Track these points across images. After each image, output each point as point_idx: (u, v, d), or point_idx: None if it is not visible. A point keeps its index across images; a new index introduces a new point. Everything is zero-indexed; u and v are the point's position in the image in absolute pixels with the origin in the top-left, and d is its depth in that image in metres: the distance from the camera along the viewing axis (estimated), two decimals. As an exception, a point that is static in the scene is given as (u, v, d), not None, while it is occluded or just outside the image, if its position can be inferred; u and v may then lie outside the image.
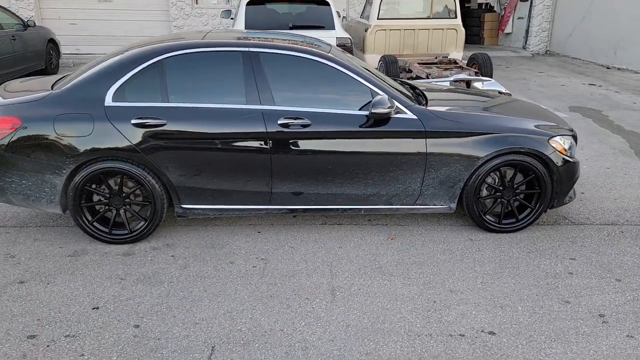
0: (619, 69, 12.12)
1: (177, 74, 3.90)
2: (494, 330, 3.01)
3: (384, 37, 9.83)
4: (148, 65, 3.87)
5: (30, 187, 3.84)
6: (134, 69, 3.86)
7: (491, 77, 8.37)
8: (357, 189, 4.04)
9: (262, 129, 3.83)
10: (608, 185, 5.28)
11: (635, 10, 11.60)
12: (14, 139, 3.74)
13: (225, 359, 2.77)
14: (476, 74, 8.74)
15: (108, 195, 3.94)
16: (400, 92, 4.20)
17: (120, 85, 3.83)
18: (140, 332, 2.98)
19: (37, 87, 4.15)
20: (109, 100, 3.80)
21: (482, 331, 3.00)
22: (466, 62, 9.56)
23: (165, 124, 3.78)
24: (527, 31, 14.72)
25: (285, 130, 3.84)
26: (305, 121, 3.86)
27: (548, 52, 14.73)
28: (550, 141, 4.12)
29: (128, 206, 3.99)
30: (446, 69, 8.92)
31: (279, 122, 3.84)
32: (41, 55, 10.44)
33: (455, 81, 7.34)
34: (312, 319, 3.11)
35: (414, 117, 3.98)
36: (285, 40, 4.24)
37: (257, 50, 3.97)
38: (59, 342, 2.89)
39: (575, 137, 4.38)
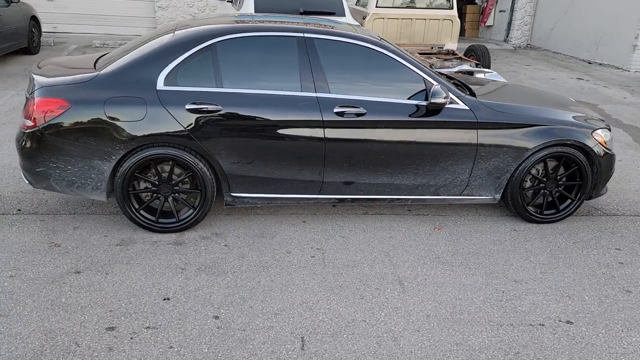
0: (600, 64, 12.49)
1: (230, 58, 3.79)
2: (570, 319, 3.08)
3: (381, 26, 9.82)
4: (201, 49, 3.75)
5: (76, 173, 3.67)
6: (186, 52, 3.73)
7: (490, 69, 8.49)
8: (406, 179, 4.04)
9: (317, 117, 3.77)
10: (626, 178, 5.45)
11: (616, 6, 11.96)
12: (61, 122, 3.56)
13: (318, 349, 2.73)
14: (477, 65, 8.84)
15: (157, 183, 3.81)
16: (450, 82, 4.21)
17: (173, 69, 3.70)
18: (222, 323, 2.90)
19: (78, 67, 3.97)
20: (160, 84, 3.66)
21: (559, 320, 3.06)
22: (462, 53, 9.65)
23: (220, 110, 3.67)
24: (509, 24, 14.98)
25: (341, 118, 3.79)
26: (360, 110, 3.82)
27: (529, 45, 15.05)
28: (593, 134, 4.21)
29: (176, 194, 3.86)
30: (446, 60, 8.99)
31: (335, 110, 3.79)
32: (24, 33, 9.97)
33: (458, 72, 7.40)
34: (390, 309, 3.10)
35: (466, 107, 4.00)
36: (338, 27, 4.17)
37: (312, 36, 3.90)
38: (142, 334, 2.78)
39: (609, 130, 4.49)
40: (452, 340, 2.85)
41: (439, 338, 2.86)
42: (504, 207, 4.58)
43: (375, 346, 2.78)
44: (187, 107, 3.63)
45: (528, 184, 4.30)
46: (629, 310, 3.18)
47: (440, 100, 3.81)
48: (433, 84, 3.91)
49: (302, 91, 3.80)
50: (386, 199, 4.13)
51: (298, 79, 3.82)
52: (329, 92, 3.83)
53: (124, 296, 3.10)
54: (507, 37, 15.13)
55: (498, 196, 4.26)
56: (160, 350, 2.68)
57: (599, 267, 3.68)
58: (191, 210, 3.91)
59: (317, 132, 3.78)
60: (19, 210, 4.15)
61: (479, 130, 3.99)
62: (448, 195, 4.19)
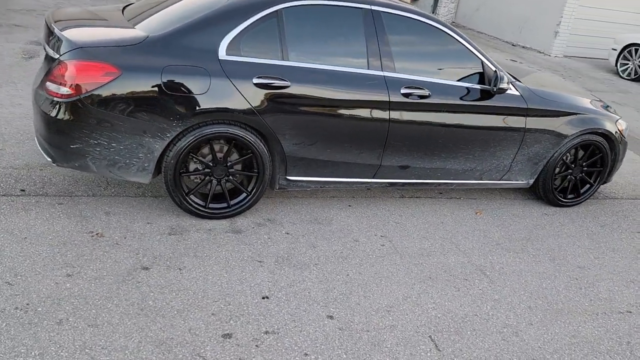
0: (523, 47, 13.26)
1: (295, 27, 3.45)
2: (648, 304, 3.26)
3: None
4: (266, 15, 3.37)
5: (121, 152, 3.17)
6: (250, 17, 3.33)
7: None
8: (458, 163, 3.99)
9: (384, 98, 3.58)
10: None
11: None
12: (108, 91, 3.03)
13: (453, 349, 2.64)
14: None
15: (211, 164, 3.40)
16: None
17: (236, 36, 3.29)
18: (341, 324, 2.69)
19: (109, 22, 3.41)
20: (222, 53, 3.24)
21: (640, 306, 3.22)
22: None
23: (289, 86, 3.34)
24: (436, 1, 15.34)
25: (406, 100, 3.63)
26: (424, 92, 3.68)
27: (454, 23, 15.56)
28: (617, 123, 4.44)
29: (231, 177, 3.49)
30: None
31: (402, 91, 3.61)
32: None
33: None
34: (491, 301, 3.07)
35: (518, 93, 4.01)
36: (401, 1, 3.94)
37: (378, 9, 3.65)
38: (265, 341, 2.50)
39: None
40: (566, 332, 2.88)
41: (554, 330, 2.88)
42: (523, 190, 4.70)
43: (502, 342, 2.73)
44: (255, 81, 3.26)
45: (558, 169, 4.44)
46: (688, 294, 3.42)
47: (505, 86, 3.78)
48: (493, 69, 3.86)
49: (369, 69, 3.57)
50: (434, 183, 4.07)
51: (365, 55, 3.58)
52: (395, 72, 3.63)
53: (218, 296, 2.76)
54: (433, 12, 15.50)
55: (532, 181, 4.36)
56: (297, 357, 2.42)
57: (636, 252, 3.91)
58: (244, 195, 3.56)
59: (383, 114, 3.59)
60: (23, 190, 3.52)
61: (527, 117, 4.03)
62: (489, 179, 4.22)
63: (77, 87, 3.01)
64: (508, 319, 2.92)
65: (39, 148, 3.32)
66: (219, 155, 3.42)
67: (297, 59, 3.41)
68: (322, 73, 3.43)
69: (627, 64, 10.67)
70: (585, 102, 4.40)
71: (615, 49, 10.81)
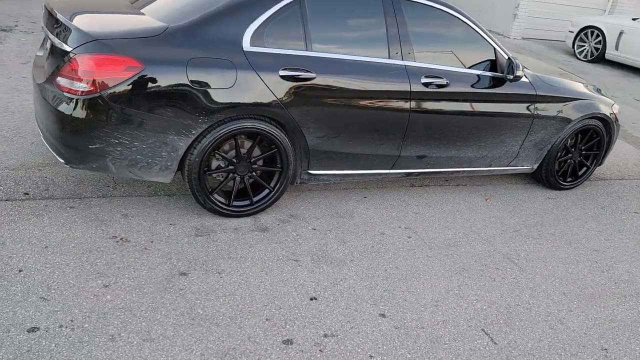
0: (482, 29, 13.48)
1: (317, 16, 3.34)
2: (667, 284, 3.40)
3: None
4: (289, 3, 3.23)
5: (143, 151, 2.99)
6: (273, 5, 3.19)
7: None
8: (471, 151, 4.01)
9: (406, 87, 3.53)
10: (587, 143, 6.04)
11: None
12: (131, 87, 2.83)
13: (509, 341, 2.66)
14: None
15: (235, 161, 3.27)
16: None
17: (259, 26, 3.15)
18: (395, 322, 2.66)
19: (115, 7, 3.20)
20: (247, 44, 3.10)
21: (661, 286, 3.36)
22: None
23: (314, 78, 3.23)
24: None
25: (426, 89, 3.60)
26: (443, 81, 3.66)
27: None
28: (612, 107, 4.58)
29: (253, 173, 3.37)
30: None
31: (422, 81, 3.58)
32: None
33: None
34: (528, 290, 3.12)
35: (527, 80, 4.05)
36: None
37: (397, -4, 3.57)
38: (327, 345, 2.43)
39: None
40: (605, 317, 2.96)
41: (593, 316, 2.96)
42: (523, 175, 4.79)
43: (551, 331, 2.77)
44: (281, 73, 3.13)
45: (560, 154, 4.54)
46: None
47: (520, 73, 3.81)
48: (506, 57, 3.88)
49: (390, 58, 3.50)
50: (447, 171, 4.08)
51: (386, 44, 3.51)
52: (415, 60, 3.58)
53: (265, 300, 2.66)
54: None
55: (536, 166, 4.45)
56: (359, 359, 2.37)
57: (638, 233, 4.07)
58: (266, 191, 3.45)
59: (404, 104, 3.55)
60: (27, 194, 3.27)
61: (536, 104, 4.08)
62: (498, 166, 4.27)
63: (97, 83, 2.80)
64: (548, 307, 2.97)
65: (49, 149, 3.08)
66: (242, 151, 3.27)
67: (321, 49, 3.30)
68: (346, 64, 3.34)
69: (584, 45, 11.04)
70: (582, 87, 4.50)
71: (572, 32, 11.16)
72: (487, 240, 3.58)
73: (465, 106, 3.77)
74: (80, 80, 2.81)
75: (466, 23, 3.80)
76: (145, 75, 2.85)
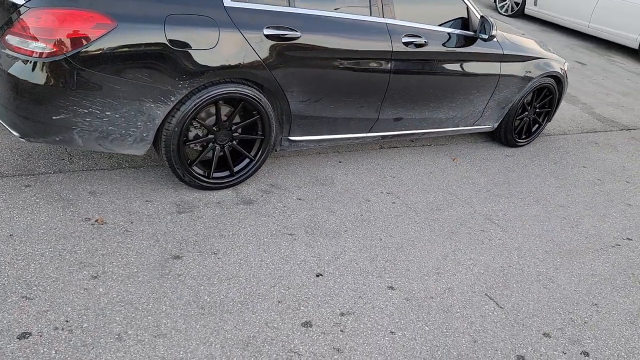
0: None
1: (298, -32, 3.07)
2: (627, 236, 3.61)
3: None
4: (270, -48, 2.94)
5: (116, 121, 2.66)
6: (253, -46, 2.89)
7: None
8: (442, 112, 3.99)
9: (387, 47, 3.40)
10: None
11: None
12: (102, 48, 2.48)
13: (513, 304, 2.71)
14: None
15: (215, 129, 3.01)
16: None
17: (239, -23, 2.84)
18: (405, 294, 2.62)
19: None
20: None
21: (622, 239, 3.57)
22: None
23: (299, 37, 3.01)
24: None
25: (406, 49, 3.49)
26: (422, 40, 3.56)
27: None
28: (564, 65, 4.73)
29: (233, 142, 3.13)
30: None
31: (403, 40, 3.46)
32: None
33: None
34: (515, 250, 3.18)
35: (496, 40, 4.05)
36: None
37: (376, -52, 3.37)
38: (347, 323, 2.35)
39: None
40: (587, 272, 3.10)
41: (577, 272, 3.09)
42: (478, 134, 4.87)
43: (545, 291, 2.86)
44: (266, 32, 2.87)
45: (517, 112, 4.64)
46: (651, 223, 3.86)
47: (494, 33, 3.77)
48: (478, 15, 3.83)
49: (371, 15, 3.33)
50: (419, 133, 4.04)
51: None
52: (395, 19, 3.44)
53: (271, 280, 2.51)
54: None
55: (496, 125, 4.53)
56: (387, 339, 2.31)
57: (591, 185, 4.29)
58: (247, 161, 3.22)
59: (385, 64, 3.42)
60: None
61: (502, 63, 4.11)
62: (464, 126, 4.29)
63: (60, 44, 2.40)
64: (537, 266, 3.05)
65: (2, 122, 2.64)
66: (222, 119, 3.01)
67: (303, 5, 3.05)
68: (330, 21, 3.13)
69: (505, 0, 11.32)
70: (537, 45, 4.58)
71: (493, -14, 11.39)
72: (465, 201, 3.60)
73: (440, 66, 3.70)
74: (36, 39, 2.39)
75: (441, -21, 3.67)
76: (118, 34, 2.48)
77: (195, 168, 3.03)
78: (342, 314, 2.38)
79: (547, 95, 4.72)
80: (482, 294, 2.72)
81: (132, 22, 2.51)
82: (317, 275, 2.60)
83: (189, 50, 2.65)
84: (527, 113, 4.69)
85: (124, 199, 2.89)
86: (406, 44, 3.45)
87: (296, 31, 2.97)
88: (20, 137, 2.64)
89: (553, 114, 4.92)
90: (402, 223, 3.20)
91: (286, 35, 2.93)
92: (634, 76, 8.44)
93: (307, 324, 2.29)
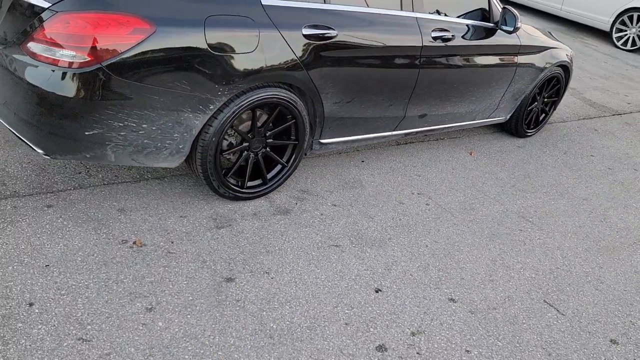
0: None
1: (331, -39, 2.89)
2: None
3: None
4: (304, -52, 2.75)
5: (152, 134, 2.44)
6: (289, -50, 2.69)
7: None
8: (463, 106, 3.90)
9: (418, 42, 3.27)
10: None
11: None
12: (139, 56, 2.25)
13: (571, 310, 2.65)
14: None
15: (250, 137, 2.82)
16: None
17: (276, -26, 2.65)
18: (466, 306, 2.53)
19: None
20: (265, -4, 2.60)
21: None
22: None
23: (336, 36, 2.84)
24: None
25: (434, 44, 3.37)
26: (449, 34, 3.44)
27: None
28: (570, 53, 4.71)
29: (266, 149, 2.95)
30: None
31: (432, 34, 3.33)
32: None
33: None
34: (558, 250, 3.14)
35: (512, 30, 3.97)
36: None
37: (405, -60, 3.21)
38: (420, 344, 2.24)
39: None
40: (629, 269, 3.10)
41: (620, 270, 3.08)
42: (489, 126, 4.81)
43: (598, 292, 2.83)
44: (305, 32, 2.69)
45: (529, 103, 4.60)
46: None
47: (519, 25, 3.68)
48: (500, 7, 3.74)
49: (402, 9, 3.19)
50: (441, 128, 3.94)
51: (396, -7, 3.17)
52: (423, 12, 3.30)
53: (332, 299, 2.37)
54: None
55: (508, 116, 4.48)
56: (464, 358, 2.21)
57: (604, 175, 4.31)
58: (279, 167, 3.05)
59: (415, 60, 3.29)
60: None
61: (519, 55, 4.04)
62: (481, 119, 4.22)
63: (95, 51, 2.16)
64: (582, 266, 3.01)
65: (19, 137, 2.38)
66: (258, 125, 2.82)
67: (338, 2, 2.87)
68: (364, 18, 2.97)
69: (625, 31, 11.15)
70: (544, 35, 4.53)
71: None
72: (494, 199, 3.53)
73: (464, 60, 3.59)
74: (66, 47, 2.14)
75: (463, -30, 3.54)
76: (157, 40, 2.25)
77: (229, 179, 2.83)
78: (412, 334, 2.27)
79: (555, 84, 4.68)
80: (540, 300, 2.66)
81: (171, 26, 2.28)
82: (377, 291, 2.47)
83: (230, 55, 2.44)
84: (536, 103, 4.64)
85: (157, 215, 2.67)
86: (435, 38, 3.31)
87: (333, 29, 2.79)
88: (44, 155, 2.39)
89: (559, 103, 4.90)
90: (442, 226, 3.10)
91: (325, 35, 2.75)
92: (609, 59, 8.59)
93: (381, 348, 2.16)
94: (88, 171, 2.91)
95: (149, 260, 2.36)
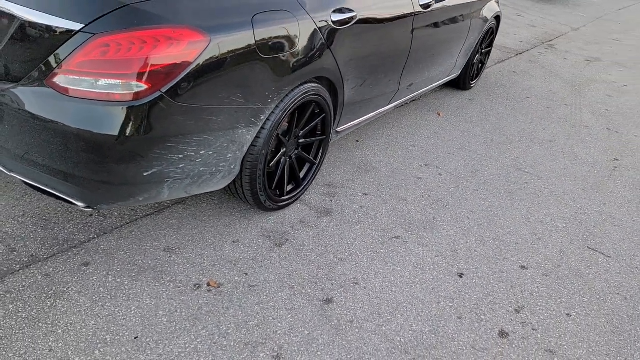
0: None
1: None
2: (616, 157, 4.04)
3: None
4: None
5: (208, 160, 2.16)
6: None
7: None
8: (436, 69, 3.95)
9: (410, 9, 3.21)
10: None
11: None
12: (196, 74, 1.94)
13: (614, 251, 2.87)
14: None
15: (286, 140, 2.62)
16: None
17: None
18: (539, 270, 2.62)
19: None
20: (292, -17, 2.37)
21: (615, 159, 3.98)
22: None
23: (356, 17, 2.69)
24: None
25: (423, 11, 3.34)
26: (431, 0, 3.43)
27: None
28: (499, 4, 4.95)
29: (298, 149, 2.77)
30: None
31: (421, 2, 3.29)
32: None
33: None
34: (570, 196, 3.35)
35: (465, -13, 4.05)
36: None
37: None
38: (531, 318, 2.29)
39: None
40: (624, 200, 3.40)
41: (620, 201, 3.37)
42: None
43: (618, 229, 3.09)
44: (333, 17, 2.51)
45: (474, 56, 4.77)
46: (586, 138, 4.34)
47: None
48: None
49: (394, -25, 3.08)
50: (417, 94, 3.96)
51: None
52: (408, -24, 3.23)
53: (431, 296, 2.33)
54: None
55: (459, 73, 4.63)
56: (571, 323, 2.32)
57: (548, 114, 4.68)
58: (308, 166, 2.87)
59: (408, 29, 3.22)
60: (32, 256, 2.12)
61: (472, 10, 4.15)
62: (443, 79, 4.31)
63: (150, 77, 1.80)
64: (592, 207, 3.27)
65: (55, 193, 1.94)
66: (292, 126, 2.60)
67: (349, -21, 2.68)
68: (371, -7, 2.80)
69: None
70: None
71: None
72: (487, 157, 3.67)
73: (443, 23, 3.60)
74: (112, 76, 1.76)
75: None
76: (211, 52, 1.93)
77: (275, 190, 2.59)
78: (516, 311, 2.31)
79: (490, 35, 4.88)
80: (584, 247, 2.84)
81: (223, 32, 1.96)
82: (460, 276, 2.47)
83: (278, 55, 2.18)
84: (478, 56, 4.82)
85: (209, 247, 2.37)
86: (424, 5, 3.25)
87: (353, 11, 2.61)
88: (86, 207, 1.97)
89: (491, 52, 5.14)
90: (466, 195, 3.16)
91: (349, 18, 2.56)
92: None
93: (502, 334, 2.17)
94: (98, 212, 2.48)
95: (237, 300, 2.10)
